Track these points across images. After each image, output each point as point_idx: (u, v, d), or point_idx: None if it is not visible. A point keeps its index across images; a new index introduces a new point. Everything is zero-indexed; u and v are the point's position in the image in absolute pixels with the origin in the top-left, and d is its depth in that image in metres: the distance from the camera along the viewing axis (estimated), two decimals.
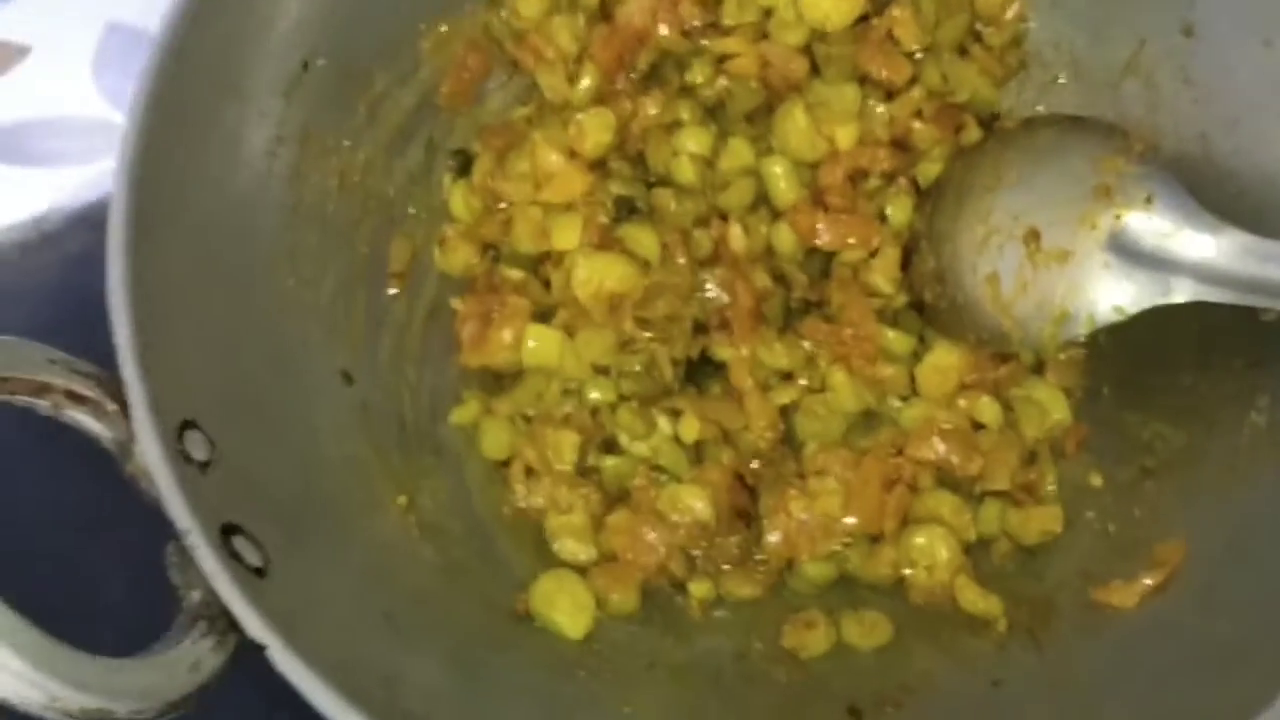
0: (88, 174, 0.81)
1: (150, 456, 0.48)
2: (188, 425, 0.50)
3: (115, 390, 0.49)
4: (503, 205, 0.66)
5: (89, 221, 0.81)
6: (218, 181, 0.57)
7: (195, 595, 0.48)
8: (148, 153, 0.53)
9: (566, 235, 0.64)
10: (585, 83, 0.66)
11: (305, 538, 0.54)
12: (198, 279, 0.55)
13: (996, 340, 0.62)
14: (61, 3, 0.74)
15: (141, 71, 0.54)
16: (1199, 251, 0.56)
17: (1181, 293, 0.56)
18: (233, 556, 0.48)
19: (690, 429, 0.62)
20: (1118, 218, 0.58)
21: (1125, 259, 0.58)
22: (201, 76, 0.56)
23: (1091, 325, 0.59)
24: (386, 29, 0.65)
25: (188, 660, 0.47)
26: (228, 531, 0.49)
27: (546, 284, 0.66)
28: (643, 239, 0.64)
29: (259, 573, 0.49)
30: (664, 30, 0.66)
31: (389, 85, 0.66)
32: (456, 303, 0.66)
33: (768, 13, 0.67)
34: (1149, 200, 0.58)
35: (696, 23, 0.67)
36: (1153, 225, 0.57)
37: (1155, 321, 0.58)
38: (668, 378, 0.63)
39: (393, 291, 0.66)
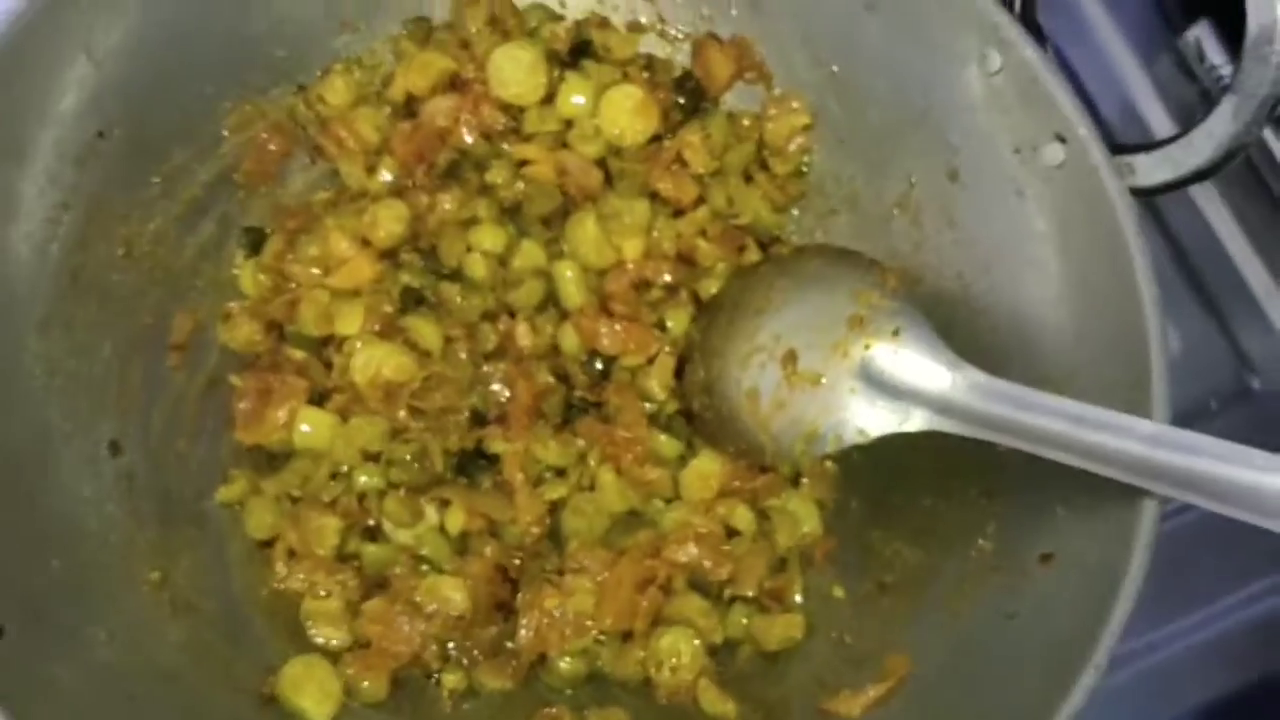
0: None
1: None
2: None
3: None
4: (291, 285, 0.67)
5: None
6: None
7: None
8: None
9: (350, 321, 0.65)
10: (384, 174, 0.68)
11: (48, 611, 0.54)
12: None
13: (754, 452, 0.66)
14: None
15: None
16: (936, 385, 0.60)
17: (918, 421, 0.60)
18: None
19: (456, 520, 0.64)
20: (867, 347, 0.63)
21: (871, 386, 0.62)
22: None
23: (838, 445, 0.63)
24: (190, 105, 0.66)
25: None
26: None
27: (328, 366, 0.67)
28: (425, 330, 0.66)
29: None
30: (466, 133, 0.68)
31: (187, 159, 0.66)
32: (235, 379, 0.67)
33: (568, 123, 0.70)
34: (896, 333, 0.62)
35: (499, 127, 0.69)
36: (897, 358, 0.62)
37: (902, 444, 0.62)
38: (438, 468, 0.64)
39: (171, 363, 0.66)
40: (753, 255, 0.71)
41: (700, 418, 0.68)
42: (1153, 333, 0.58)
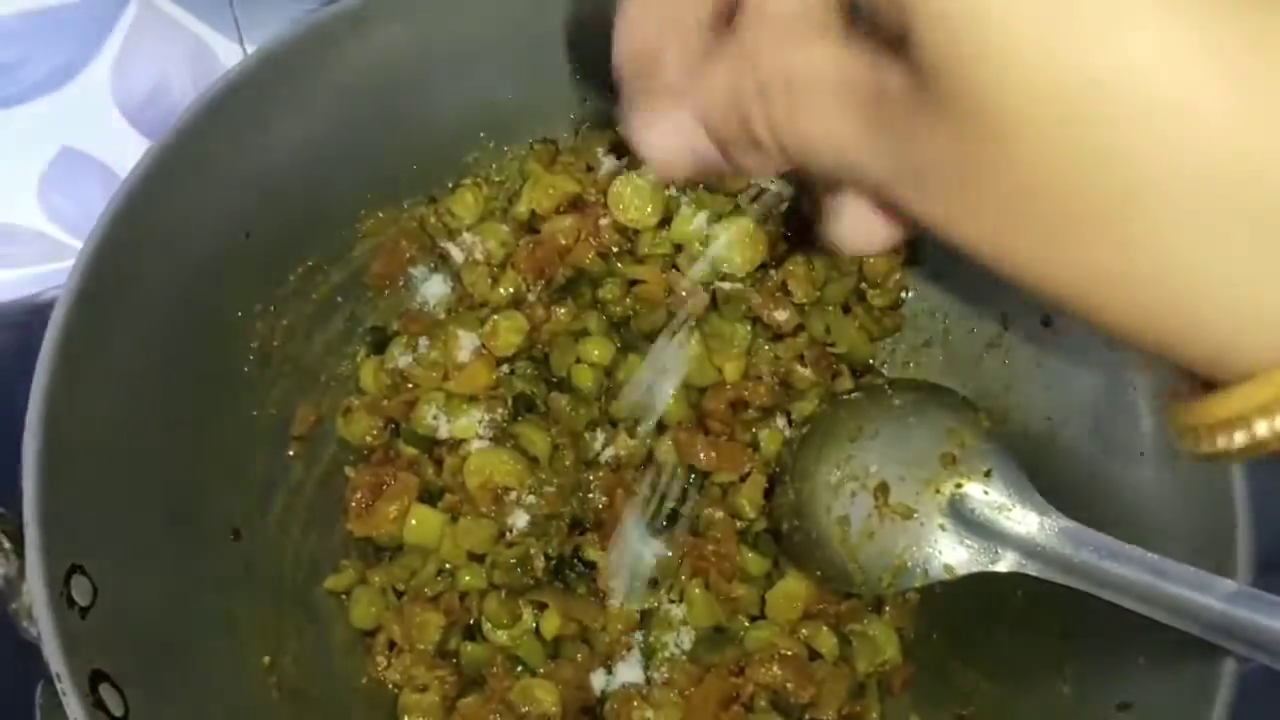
0: (15, 276, 0.85)
1: (36, 598, 0.50)
2: (76, 569, 0.53)
3: (13, 529, 0.51)
4: (410, 385, 0.71)
5: (7, 320, 0.84)
6: (144, 340, 0.60)
7: None
8: (84, 302, 0.56)
9: (465, 425, 0.69)
10: (506, 287, 0.72)
11: (168, 690, 0.56)
12: (111, 426, 0.58)
13: (840, 579, 0.68)
14: (25, 120, 0.78)
15: (92, 230, 0.58)
16: (1025, 528, 0.62)
17: (1006, 563, 0.62)
18: (97, 705, 0.50)
19: (552, 624, 0.66)
20: (959, 486, 0.65)
21: (960, 524, 0.64)
22: (142, 239, 0.60)
23: (925, 580, 0.65)
24: (330, 211, 0.70)
25: None
26: (95, 679, 0.51)
27: (439, 464, 0.70)
28: (536, 437, 0.69)
29: None
30: (585, 252, 0.72)
31: (321, 260, 0.70)
32: (350, 471, 0.70)
33: (679, 248, 0.73)
34: (988, 474, 0.64)
35: (615, 248, 0.73)
36: (988, 498, 0.64)
37: (986, 580, 0.64)
38: (538, 572, 0.67)
39: (292, 453, 0.69)
40: (846, 382, 0.74)
41: (788, 539, 0.70)
42: (1238, 489, 0.59)
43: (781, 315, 0.72)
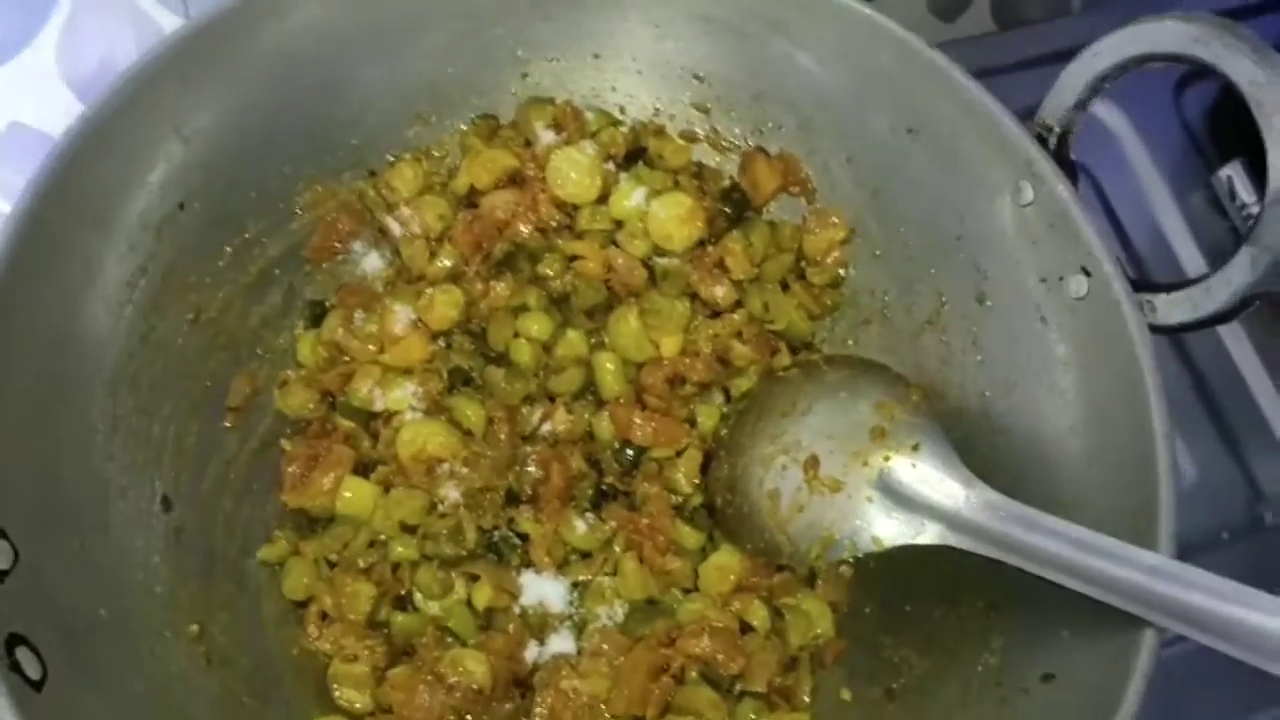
0: None
1: None
2: None
3: None
4: (346, 359, 0.71)
5: None
6: (71, 306, 0.60)
7: None
8: (8, 270, 0.56)
9: (399, 397, 0.69)
10: (444, 260, 0.72)
11: (90, 657, 0.56)
12: (35, 391, 0.58)
13: (771, 551, 0.68)
14: None
15: (21, 190, 0.58)
16: (951, 501, 0.63)
17: (931, 535, 0.63)
18: (12, 667, 0.50)
19: (483, 595, 0.67)
20: (886, 459, 0.65)
21: (888, 497, 0.65)
22: (73, 205, 0.60)
23: (852, 551, 0.65)
24: (267, 183, 0.70)
25: None
26: (12, 642, 0.51)
27: (375, 437, 0.70)
28: (470, 410, 0.69)
29: (36, 686, 0.51)
30: (522, 226, 0.72)
31: (259, 233, 0.70)
32: (286, 443, 0.70)
33: (618, 224, 0.74)
34: (916, 448, 0.65)
35: (553, 223, 0.73)
36: (915, 472, 0.64)
37: (917, 553, 0.64)
38: (471, 544, 0.67)
39: (226, 425, 0.69)
40: (784, 359, 0.75)
41: (722, 513, 0.70)
42: (1162, 467, 0.60)
43: (719, 291, 0.72)
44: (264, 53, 0.66)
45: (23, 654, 0.51)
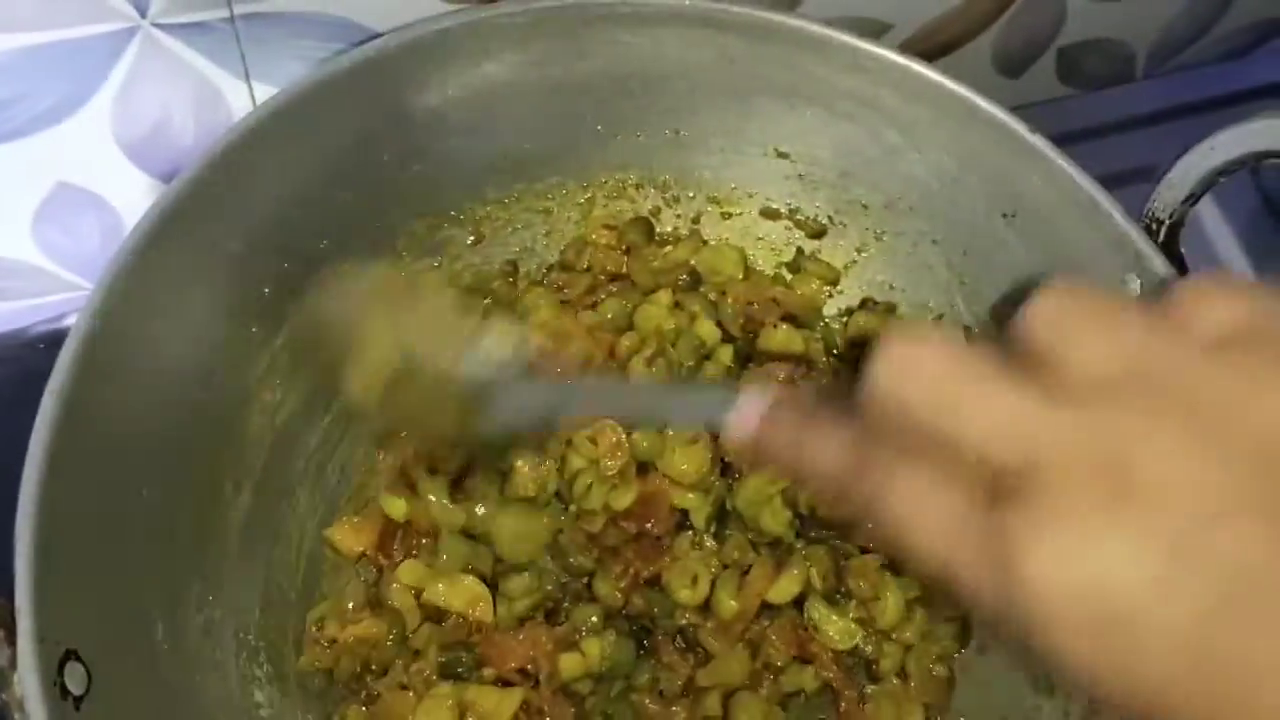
0: (7, 309, 0.84)
1: (29, 690, 0.47)
2: (70, 656, 0.50)
3: (4, 616, 0.49)
4: None
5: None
6: (148, 404, 0.58)
7: None
8: (88, 365, 0.53)
9: None
10: None
11: None
12: (110, 508, 0.55)
13: None
14: (21, 154, 0.75)
15: (95, 288, 0.55)
16: None
17: None
18: None
19: None
20: None
21: None
22: (152, 295, 0.57)
23: None
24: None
25: None
26: None
27: None
28: None
29: None
30: None
31: None
32: None
33: None
34: None
35: None
36: None
37: None
38: None
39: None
40: None
41: None
42: None
43: None
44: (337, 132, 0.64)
45: None
